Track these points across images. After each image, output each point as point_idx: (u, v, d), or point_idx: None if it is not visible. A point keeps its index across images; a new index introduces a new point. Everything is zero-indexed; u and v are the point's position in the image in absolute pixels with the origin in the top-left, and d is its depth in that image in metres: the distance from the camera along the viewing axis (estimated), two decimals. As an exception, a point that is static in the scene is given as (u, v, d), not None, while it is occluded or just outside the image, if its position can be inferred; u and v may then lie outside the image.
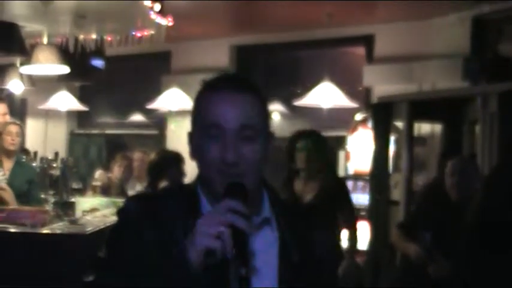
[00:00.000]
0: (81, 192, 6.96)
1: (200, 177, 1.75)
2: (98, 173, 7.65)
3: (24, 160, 6.84)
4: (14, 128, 6.04)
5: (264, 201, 1.75)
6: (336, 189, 5.11)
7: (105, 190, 7.20)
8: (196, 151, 1.72)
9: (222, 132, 1.66)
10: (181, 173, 5.48)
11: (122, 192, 7.19)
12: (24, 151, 6.98)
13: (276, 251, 1.72)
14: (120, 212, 1.78)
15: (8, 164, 5.95)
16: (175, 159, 5.50)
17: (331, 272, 1.83)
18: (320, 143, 5.15)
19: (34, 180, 6.20)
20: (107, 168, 7.67)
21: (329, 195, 4.97)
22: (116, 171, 7.46)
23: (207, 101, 1.71)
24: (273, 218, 1.74)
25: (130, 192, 6.97)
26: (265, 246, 1.70)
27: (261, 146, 1.69)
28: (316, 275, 1.75)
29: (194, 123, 1.75)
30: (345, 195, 5.23)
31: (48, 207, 5.72)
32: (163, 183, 5.42)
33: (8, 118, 6.12)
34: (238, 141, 1.66)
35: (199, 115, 1.73)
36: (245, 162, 1.65)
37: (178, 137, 8.12)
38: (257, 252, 1.63)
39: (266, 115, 1.75)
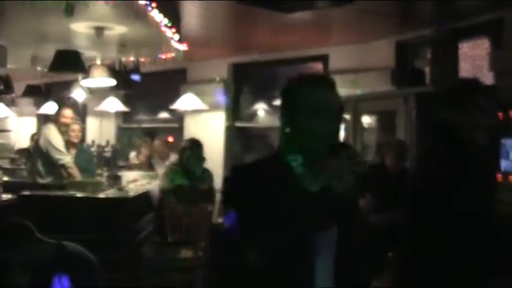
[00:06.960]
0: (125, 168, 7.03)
1: (293, 148, 1.68)
2: (131, 155, 7.71)
3: (85, 147, 6.92)
4: (76, 127, 6.21)
5: None
6: None
7: (139, 166, 7.29)
8: (301, 129, 1.65)
9: (328, 112, 1.66)
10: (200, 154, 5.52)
11: (150, 166, 7.29)
12: (82, 141, 7.05)
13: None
14: (228, 180, 1.69)
15: (73, 151, 6.11)
16: (198, 144, 5.53)
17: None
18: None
19: (91, 161, 6.37)
20: (139, 151, 7.72)
21: None
22: (144, 151, 7.52)
23: (312, 91, 1.69)
24: None
25: (159, 168, 7.00)
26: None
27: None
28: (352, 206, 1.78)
29: (296, 110, 1.68)
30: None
31: (103, 179, 5.80)
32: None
33: (73, 119, 6.24)
34: (336, 119, 1.71)
35: (305, 101, 1.67)
36: (337, 134, 1.71)
37: (193, 128, 8.20)
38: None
39: None
